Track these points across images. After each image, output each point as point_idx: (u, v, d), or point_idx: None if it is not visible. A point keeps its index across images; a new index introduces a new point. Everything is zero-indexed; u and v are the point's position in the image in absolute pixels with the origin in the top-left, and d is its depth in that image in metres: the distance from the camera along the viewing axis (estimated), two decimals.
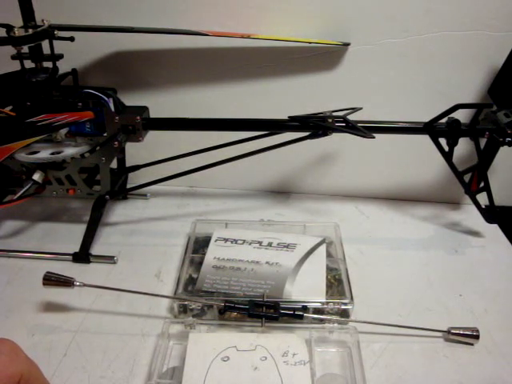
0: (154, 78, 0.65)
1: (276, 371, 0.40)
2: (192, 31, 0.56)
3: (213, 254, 0.54)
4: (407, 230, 0.65)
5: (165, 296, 0.50)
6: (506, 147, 0.54)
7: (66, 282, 0.47)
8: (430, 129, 0.54)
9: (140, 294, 0.49)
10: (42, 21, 0.51)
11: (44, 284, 0.47)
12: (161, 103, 0.62)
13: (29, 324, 0.48)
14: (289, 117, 0.54)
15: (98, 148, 0.55)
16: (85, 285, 0.47)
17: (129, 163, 0.65)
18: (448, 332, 0.46)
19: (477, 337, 0.46)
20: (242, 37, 0.58)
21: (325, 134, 0.54)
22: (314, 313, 0.47)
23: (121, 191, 0.66)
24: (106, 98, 0.54)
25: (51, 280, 0.47)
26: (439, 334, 0.47)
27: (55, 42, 0.52)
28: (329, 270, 0.53)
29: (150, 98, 0.65)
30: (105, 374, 0.43)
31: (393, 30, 0.59)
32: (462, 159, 0.63)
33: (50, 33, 0.51)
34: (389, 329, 0.47)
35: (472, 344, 0.46)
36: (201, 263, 0.53)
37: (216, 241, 0.57)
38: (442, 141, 0.55)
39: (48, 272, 0.47)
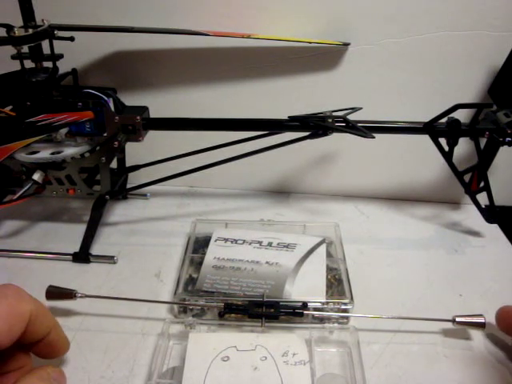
0: (154, 78, 0.65)
1: (276, 371, 0.40)
2: (192, 31, 0.56)
3: (213, 253, 0.54)
4: (407, 230, 0.64)
5: (163, 302, 0.50)
6: (506, 147, 0.54)
7: (68, 295, 0.47)
8: (430, 129, 0.54)
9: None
10: (42, 21, 0.51)
11: (47, 298, 0.47)
12: (161, 103, 0.62)
13: None
14: (289, 117, 0.54)
15: (98, 148, 0.55)
16: (87, 296, 0.47)
17: (129, 163, 0.65)
18: (453, 321, 0.46)
19: (483, 325, 0.45)
20: (242, 37, 0.58)
21: (325, 134, 0.54)
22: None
23: (121, 191, 0.66)
24: (106, 98, 0.54)
25: (54, 294, 0.47)
26: (441, 329, 0.47)
27: (55, 42, 0.52)
28: (329, 269, 0.53)
29: (149, 98, 0.65)
30: (105, 374, 0.43)
31: (393, 30, 0.59)
32: (462, 159, 0.63)
33: (49, 33, 0.51)
34: (389, 327, 0.47)
35: (472, 339, 0.46)
36: (201, 263, 0.53)
37: (216, 241, 0.57)
38: (442, 141, 0.55)
39: (50, 286, 0.48)
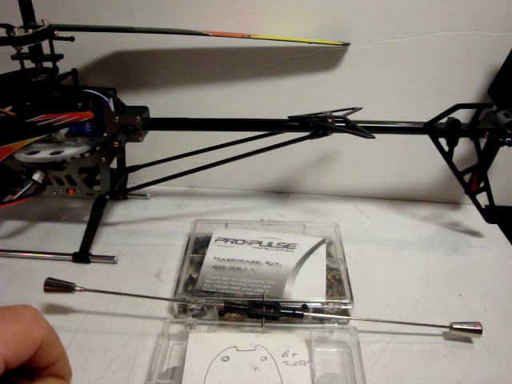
0: (154, 78, 0.65)
1: (276, 371, 0.40)
2: (192, 31, 0.56)
3: (213, 253, 0.54)
4: (407, 230, 0.65)
5: (164, 298, 0.50)
6: (505, 147, 0.54)
7: (66, 288, 0.47)
8: (430, 129, 0.54)
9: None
10: (42, 21, 0.51)
11: (45, 290, 0.47)
12: (161, 103, 0.62)
13: None
14: (289, 117, 0.54)
15: (98, 148, 0.55)
16: (85, 289, 0.47)
17: (129, 163, 0.65)
18: (450, 327, 0.46)
19: (479, 331, 0.45)
20: (242, 37, 0.58)
21: (325, 134, 0.54)
22: (314, 313, 0.47)
23: (121, 191, 0.66)
24: (105, 98, 0.53)
25: (52, 286, 0.47)
26: (440, 331, 0.47)
27: (55, 42, 0.52)
28: (329, 269, 0.53)
29: (150, 98, 0.65)
30: (105, 374, 0.43)
31: (393, 30, 0.59)
32: (462, 159, 0.63)
33: (49, 33, 0.51)
34: (389, 328, 0.47)
35: (472, 341, 0.46)
36: (201, 263, 0.53)
37: (216, 241, 0.57)
38: (442, 141, 0.55)
39: (49, 278, 0.48)
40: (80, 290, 0.47)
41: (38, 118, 0.53)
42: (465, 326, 0.46)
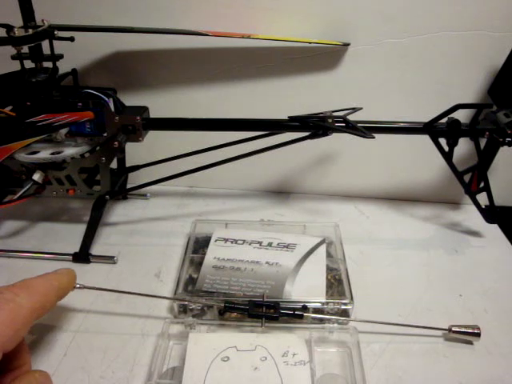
0: (154, 78, 0.65)
1: (276, 371, 0.40)
2: (192, 31, 0.56)
3: (213, 254, 0.54)
4: (407, 230, 0.65)
5: (164, 297, 0.50)
6: (506, 147, 0.54)
7: None
8: (430, 129, 0.54)
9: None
10: (42, 21, 0.51)
11: None
12: (161, 103, 0.62)
13: None
14: (289, 117, 0.54)
15: (98, 148, 0.55)
16: (85, 287, 0.47)
17: (129, 163, 0.65)
18: (449, 330, 0.46)
19: (478, 334, 0.46)
20: (242, 37, 0.58)
21: (325, 134, 0.54)
22: (313, 313, 0.47)
23: (121, 191, 0.66)
24: (106, 98, 0.53)
25: None
26: (440, 332, 0.47)
27: (55, 42, 0.52)
28: (329, 270, 0.53)
29: (149, 98, 0.65)
30: (105, 374, 0.43)
31: (393, 30, 0.59)
32: (462, 159, 0.63)
33: (49, 33, 0.51)
34: (389, 329, 0.47)
35: (472, 343, 0.46)
36: (201, 263, 0.53)
37: (216, 241, 0.57)
38: (442, 141, 0.55)
39: None
40: (80, 288, 0.47)
41: (38, 118, 0.53)
42: (463, 329, 0.46)
